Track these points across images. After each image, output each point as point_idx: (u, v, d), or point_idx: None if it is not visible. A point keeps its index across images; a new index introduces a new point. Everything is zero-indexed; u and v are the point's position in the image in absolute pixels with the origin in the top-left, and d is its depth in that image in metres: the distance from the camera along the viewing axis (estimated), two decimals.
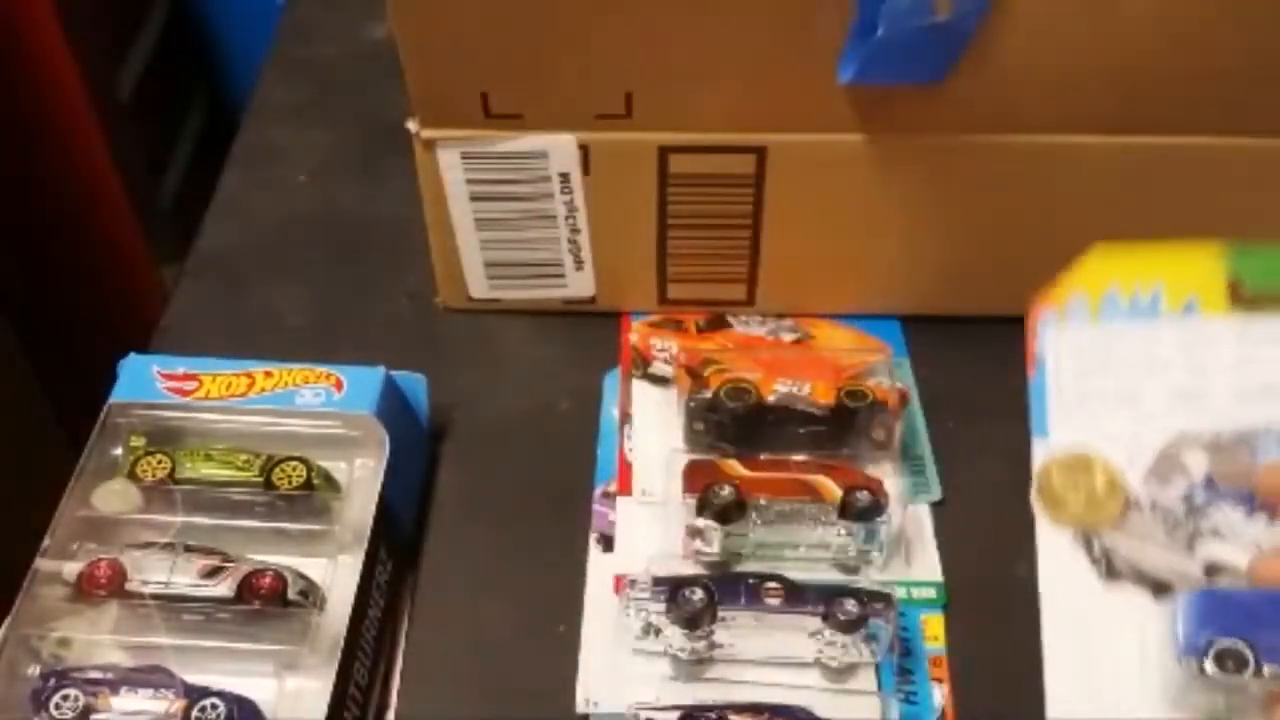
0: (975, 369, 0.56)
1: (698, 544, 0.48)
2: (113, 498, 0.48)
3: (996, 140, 0.51)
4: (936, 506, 0.52)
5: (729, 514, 0.48)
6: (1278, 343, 0.44)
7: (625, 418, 0.54)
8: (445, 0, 0.47)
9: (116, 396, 0.50)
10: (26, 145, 1.10)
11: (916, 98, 0.49)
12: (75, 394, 1.08)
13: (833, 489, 0.49)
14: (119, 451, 0.50)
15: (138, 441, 0.50)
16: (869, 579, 0.47)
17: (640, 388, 0.55)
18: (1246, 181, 0.52)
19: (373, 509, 0.47)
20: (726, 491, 0.48)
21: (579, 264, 0.56)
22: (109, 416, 0.50)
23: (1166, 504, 0.43)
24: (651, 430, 0.53)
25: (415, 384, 0.53)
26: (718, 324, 0.58)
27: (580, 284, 0.57)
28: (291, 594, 0.45)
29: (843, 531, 0.48)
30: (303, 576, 0.46)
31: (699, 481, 0.49)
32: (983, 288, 0.57)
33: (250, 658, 0.45)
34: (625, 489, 0.52)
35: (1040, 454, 0.45)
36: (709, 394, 0.51)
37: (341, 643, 0.43)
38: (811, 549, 0.49)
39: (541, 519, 0.51)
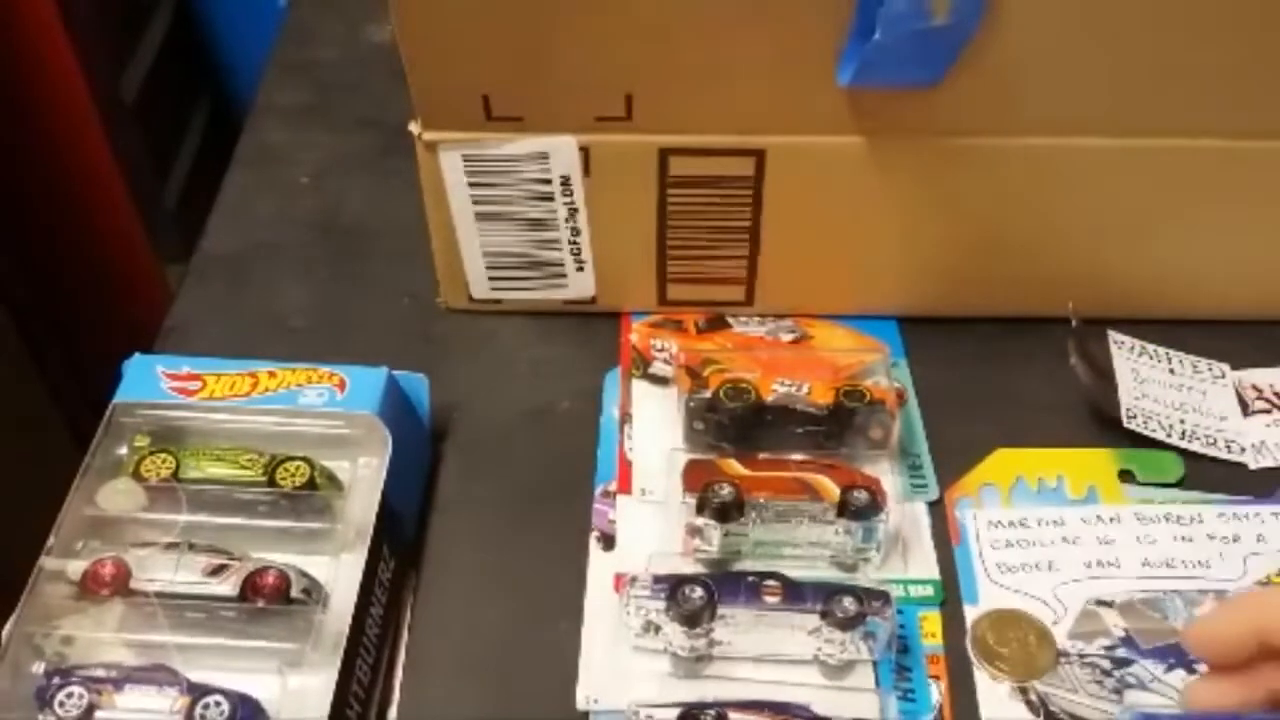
0: (972, 369, 0.57)
1: (697, 542, 0.48)
2: (117, 497, 0.48)
3: (994, 143, 0.51)
4: (934, 505, 0.52)
5: (728, 513, 0.48)
6: (1171, 524, 0.50)
7: (625, 417, 0.55)
8: (447, 3, 0.47)
9: (121, 396, 0.50)
10: (31, 147, 1.10)
11: (915, 100, 0.49)
12: (80, 394, 1.09)
13: (831, 488, 0.49)
14: (123, 451, 0.50)
15: (142, 441, 0.50)
16: (867, 577, 0.48)
17: (640, 387, 0.56)
18: (1246, 184, 0.53)
19: (375, 508, 0.47)
20: (726, 491, 0.48)
21: (580, 265, 0.56)
22: (113, 416, 0.50)
23: (1093, 658, 0.46)
24: (651, 430, 0.54)
25: (417, 384, 0.54)
26: (717, 324, 0.59)
27: (581, 285, 0.57)
28: (294, 592, 0.46)
29: (841, 530, 0.48)
30: (305, 575, 0.46)
31: (698, 480, 0.49)
32: (981, 289, 0.57)
33: (253, 655, 0.45)
34: (625, 488, 0.52)
35: (972, 614, 0.48)
36: (708, 394, 0.51)
37: (344, 641, 0.43)
38: (810, 547, 0.49)
39: (542, 518, 0.52)
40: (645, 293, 0.58)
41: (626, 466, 0.53)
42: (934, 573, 0.49)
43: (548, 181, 0.53)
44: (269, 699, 0.44)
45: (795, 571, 0.47)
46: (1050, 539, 0.50)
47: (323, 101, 0.72)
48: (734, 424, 0.51)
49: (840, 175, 0.52)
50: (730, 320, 0.59)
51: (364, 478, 0.50)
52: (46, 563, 0.46)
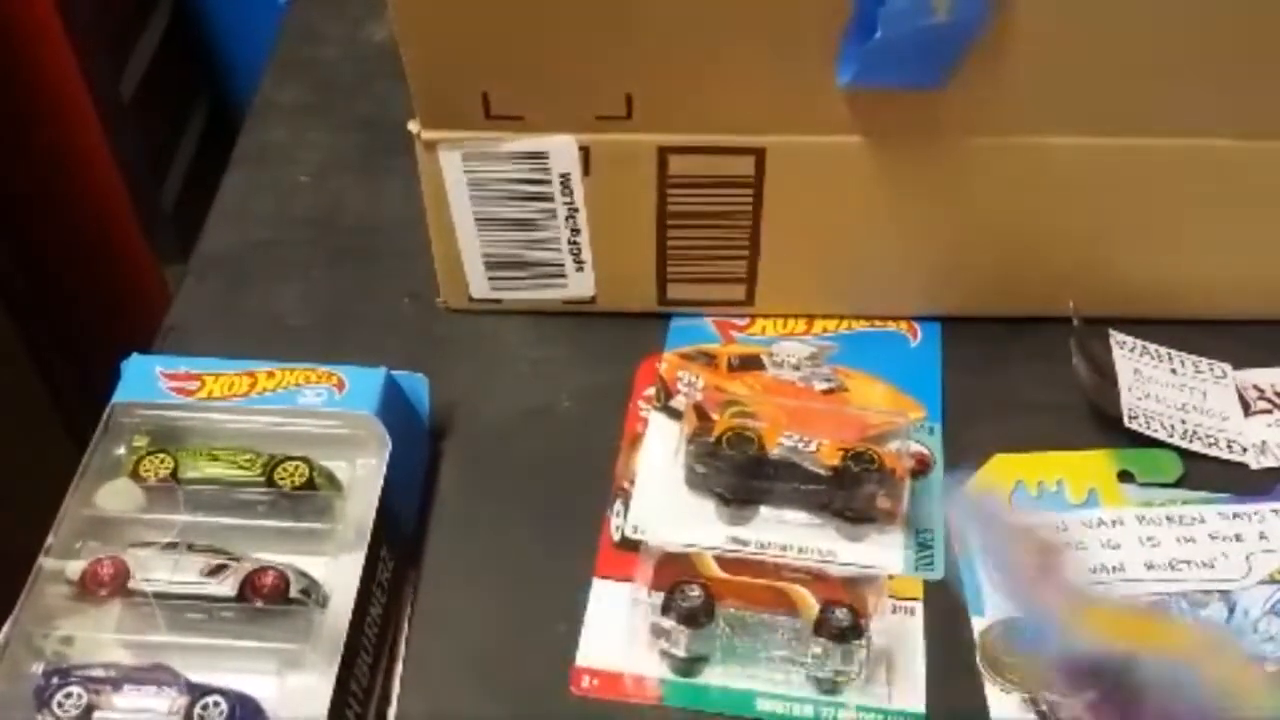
0: (973, 368, 0.56)
1: (663, 643, 0.46)
2: (116, 497, 0.48)
3: (996, 142, 0.51)
4: (930, 623, 0.48)
5: (696, 617, 0.45)
6: (1173, 525, 0.50)
7: (633, 440, 0.53)
8: (447, 3, 0.47)
9: (119, 397, 0.50)
10: (28, 146, 1.10)
11: (915, 100, 0.49)
12: (79, 394, 1.09)
13: (810, 603, 0.46)
14: (122, 451, 0.50)
15: (140, 441, 0.50)
16: (848, 700, 0.45)
17: (657, 420, 0.54)
18: (1248, 184, 0.53)
19: (374, 508, 0.47)
20: (695, 593, 0.45)
21: (579, 264, 0.56)
22: (112, 416, 0.50)
23: None
24: (658, 464, 0.52)
25: (416, 384, 0.54)
26: (751, 363, 0.56)
27: (580, 284, 0.57)
28: (293, 592, 0.46)
29: (818, 650, 0.45)
30: (305, 575, 0.46)
31: (668, 577, 0.46)
32: (982, 288, 0.57)
33: (252, 656, 0.45)
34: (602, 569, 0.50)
35: (979, 626, 0.47)
36: (710, 439, 0.50)
37: (343, 641, 0.43)
38: (784, 663, 0.45)
39: (541, 518, 0.52)
40: (645, 292, 0.58)
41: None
42: (920, 705, 0.45)
43: (547, 181, 0.53)
44: (268, 699, 0.44)
45: (770, 688, 0.45)
46: (1055, 544, 0.49)
47: (323, 100, 0.71)
48: (734, 472, 0.50)
49: (840, 175, 0.52)
50: (765, 360, 0.56)
51: (363, 478, 0.49)
52: (45, 563, 0.46)
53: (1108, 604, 0.45)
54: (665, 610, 0.46)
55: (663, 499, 0.51)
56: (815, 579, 0.47)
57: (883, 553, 0.49)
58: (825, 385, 0.56)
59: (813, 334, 0.58)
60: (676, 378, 0.56)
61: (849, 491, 0.49)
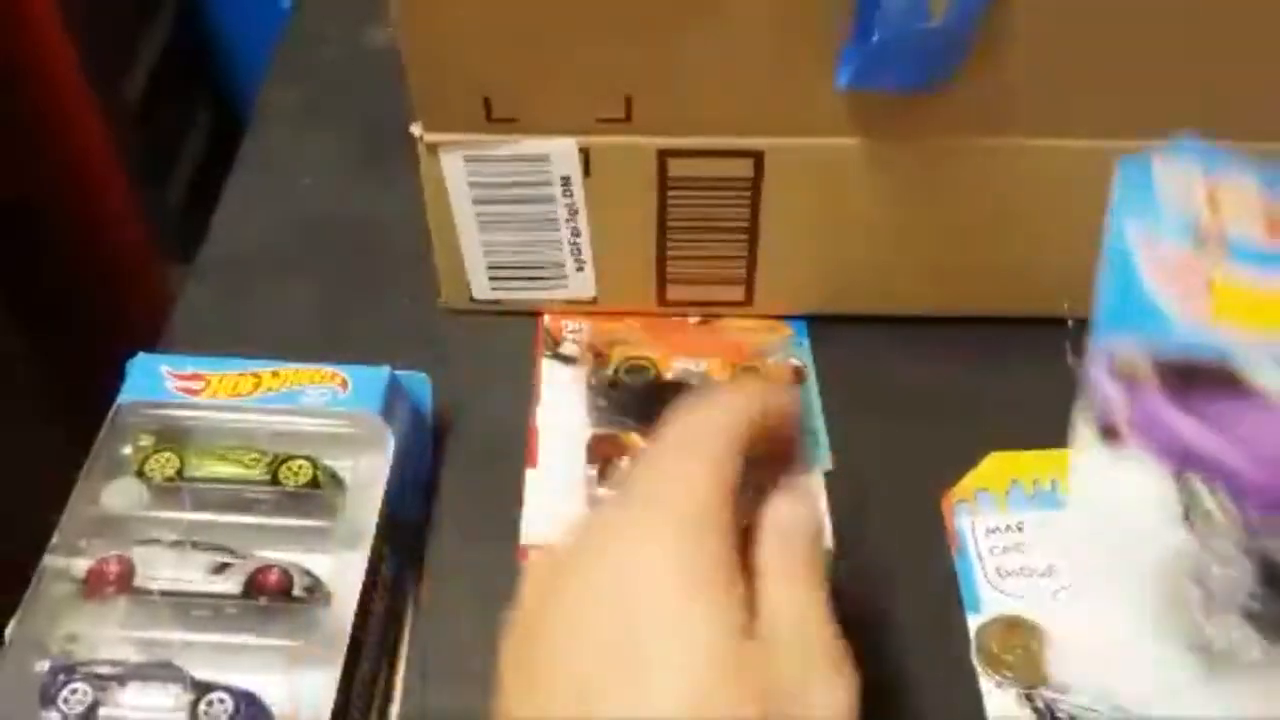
0: (969, 369, 0.57)
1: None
2: (121, 495, 0.49)
3: (994, 144, 0.51)
4: (829, 475, 0.53)
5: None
6: None
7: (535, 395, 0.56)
8: (448, 5, 0.47)
9: (125, 396, 0.51)
10: (34, 149, 1.11)
11: (914, 102, 0.49)
12: (84, 394, 1.09)
13: None
14: (127, 450, 0.50)
15: (146, 440, 0.50)
16: None
17: (549, 366, 0.57)
18: None
19: (377, 507, 0.47)
20: (627, 463, 0.49)
21: (580, 266, 0.57)
22: (118, 415, 0.50)
23: None
24: (560, 407, 0.55)
25: (419, 383, 0.54)
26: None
27: (581, 285, 0.58)
28: (298, 590, 0.46)
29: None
30: (309, 573, 0.47)
31: (602, 453, 0.50)
32: (979, 289, 0.57)
33: (257, 653, 0.45)
34: (532, 461, 0.53)
35: (975, 623, 0.48)
36: (609, 371, 0.53)
37: (347, 638, 0.44)
38: None
39: None
40: (645, 293, 0.58)
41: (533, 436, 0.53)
42: (827, 544, 0.49)
43: (548, 183, 0.53)
44: (273, 696, 0.44)
45: None
46: (1048, 541, 0.50)
47: (325, 103, 0.72)
48: (635, 401, 0.53)
49: (839, 177, 0.52)
50: None
51: (366, 477, 0.50)
52: (51, 561, 0.46)
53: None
54: (602, 479, 0.50)
55: (569, 438, 0.53)
56: None
57: None
58: (696, 317, 0.59)
59: None
60: (561, 325, 0.59)
61: None
